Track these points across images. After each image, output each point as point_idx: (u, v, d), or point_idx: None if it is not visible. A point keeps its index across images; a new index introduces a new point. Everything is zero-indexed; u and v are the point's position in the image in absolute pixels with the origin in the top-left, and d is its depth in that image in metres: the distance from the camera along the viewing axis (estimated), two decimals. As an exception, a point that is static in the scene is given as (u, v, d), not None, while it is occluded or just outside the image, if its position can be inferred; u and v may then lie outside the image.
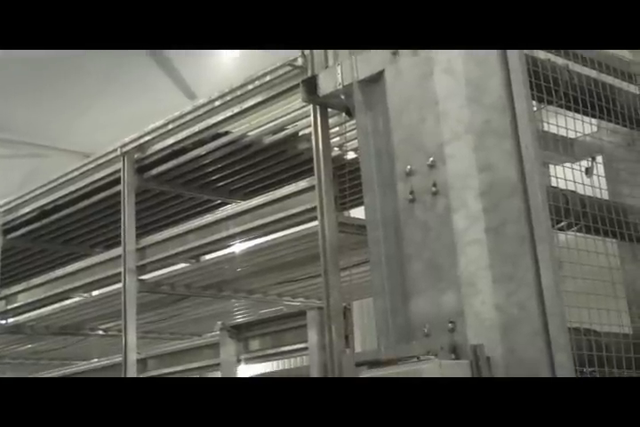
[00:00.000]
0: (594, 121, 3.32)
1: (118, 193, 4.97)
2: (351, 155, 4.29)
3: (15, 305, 6.16)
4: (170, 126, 4.66)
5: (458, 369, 2.67)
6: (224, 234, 4.63)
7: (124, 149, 4.91)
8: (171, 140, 4.74)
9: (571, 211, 2.92)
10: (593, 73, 3.26)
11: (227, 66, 8.28)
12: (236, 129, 4.50)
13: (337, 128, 4.10)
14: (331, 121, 3.75)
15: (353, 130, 3.81)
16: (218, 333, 4.60)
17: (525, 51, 2.92)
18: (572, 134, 3.17)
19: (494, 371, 2.69)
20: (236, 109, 4.29)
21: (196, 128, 4.57)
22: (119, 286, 4.94)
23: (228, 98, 4.26)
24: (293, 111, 4.16)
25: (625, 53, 3.51)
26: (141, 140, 4.85)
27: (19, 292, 6.10)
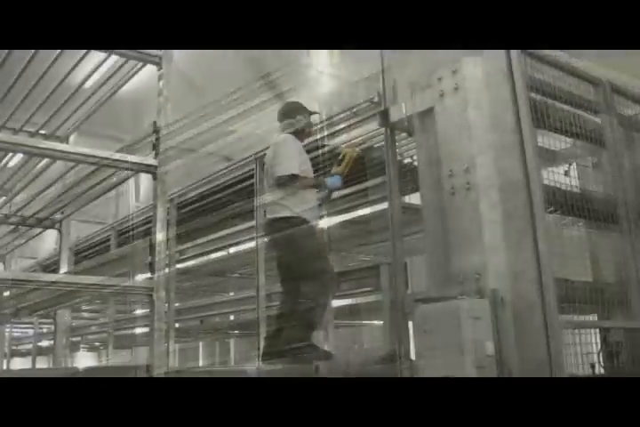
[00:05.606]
0: (569, 140, 3.29)
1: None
2: (408, 160, 4.35)
3: (185, 256, 6.39)
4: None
5: (481, 305, 2.69)
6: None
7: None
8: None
9: (557, 200, 2.91)
10: (571, 108, 3.16)
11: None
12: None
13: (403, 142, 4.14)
14: (397, 138, 3.67)
15: (412, 144, 3.94)
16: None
17: (531, 95, 2.82)
18: (555, 148, 3.14)
19: (505, 307, 2.70)
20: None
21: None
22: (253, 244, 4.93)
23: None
24: (372, 131, 4.16)
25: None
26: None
27: (187, 248, 6.30)
